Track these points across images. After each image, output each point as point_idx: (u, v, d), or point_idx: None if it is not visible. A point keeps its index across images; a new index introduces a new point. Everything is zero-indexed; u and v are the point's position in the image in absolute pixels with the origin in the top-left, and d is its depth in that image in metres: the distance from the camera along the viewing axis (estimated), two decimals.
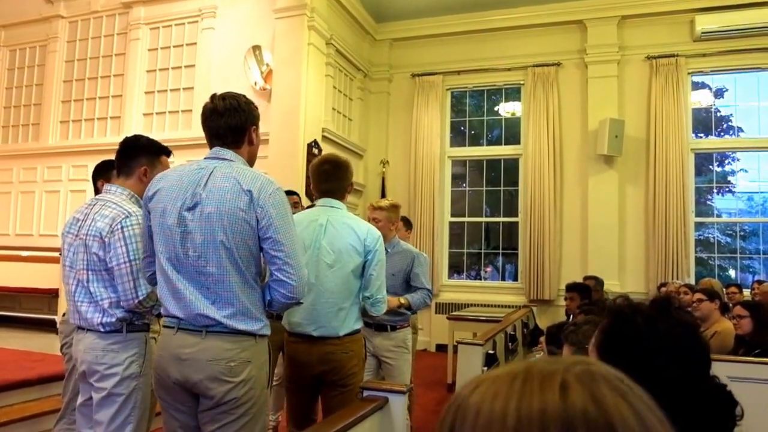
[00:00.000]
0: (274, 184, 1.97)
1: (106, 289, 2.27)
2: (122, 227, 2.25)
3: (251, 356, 1.91)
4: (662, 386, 0.96)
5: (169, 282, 1.93)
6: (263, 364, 1.98)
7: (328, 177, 2.69)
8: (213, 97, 2.04)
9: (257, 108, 2.10)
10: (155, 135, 7.14)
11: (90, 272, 2.29)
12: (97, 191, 2.96)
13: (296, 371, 2.58)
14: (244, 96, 2.08)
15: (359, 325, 2.64)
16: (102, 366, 2.24)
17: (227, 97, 2.02)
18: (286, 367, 2.63)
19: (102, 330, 2.25)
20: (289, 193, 3.88)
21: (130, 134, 2.69)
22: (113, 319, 2.25)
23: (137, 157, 2.41)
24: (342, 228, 2.58)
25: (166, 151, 2.52)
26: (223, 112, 1.99)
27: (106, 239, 2.25)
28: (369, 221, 3.45)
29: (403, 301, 3.34)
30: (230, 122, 2.00)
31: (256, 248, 1.92)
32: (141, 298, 2.23)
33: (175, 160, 5.71)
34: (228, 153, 2.01)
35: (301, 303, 2.09)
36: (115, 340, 2.26)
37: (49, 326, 6.38)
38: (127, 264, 2.23)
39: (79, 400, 2.42)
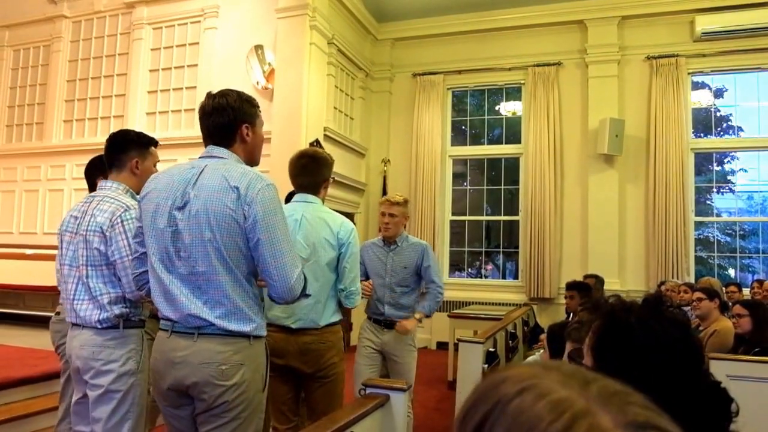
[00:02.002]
0: (265, 181, 1.90)
1: (105, 284, 2.28)
2: (122, 220, 2.28)
3: (244, 359, 1.87)
4: (657, 386, 0.98)
5: (160, 283, 1.89)
6: (258, 366, 1.93)
7: (304, 171, 2.73)
8: (206, 95, 2.02)
9: (254, 105, 2.04)
10: (158, 134, 7.16)
11: (90, 268, 2.30)
12: (93, 188, 2.99)
13: (273, 361, 2.59)
14: (238, 93, 2.02)
15: (337, 317, 2.67)
16: (98, 362, 2.24)
17: (217, 95, 1.98)
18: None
19: (99, 326, 2.26)
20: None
21: None
22: (111, 315, 2.26)
23: (127, 151, 2.44)
24: (316, 222, 2.63)
25: (154, 142, 2.55)
26: (210, 112, 1.97)
27: (107, 233, 2.27)
28: (384, 216, 3.46)
29: (418, 316, 3.40)
30: (217, 121, 1.96)
31: (245, 246, 1.87)
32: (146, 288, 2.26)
33: (178, 159, 5.78)
34: (221, 151, 1.97)
35: (308, 295, 2.05)
36: (112, 336, 2.27)
37: None
38: (130, 257, 2.23)
39: (74, 398, 2.41)
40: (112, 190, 2.40)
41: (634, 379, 0.97)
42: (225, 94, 1.98)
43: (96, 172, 2.95)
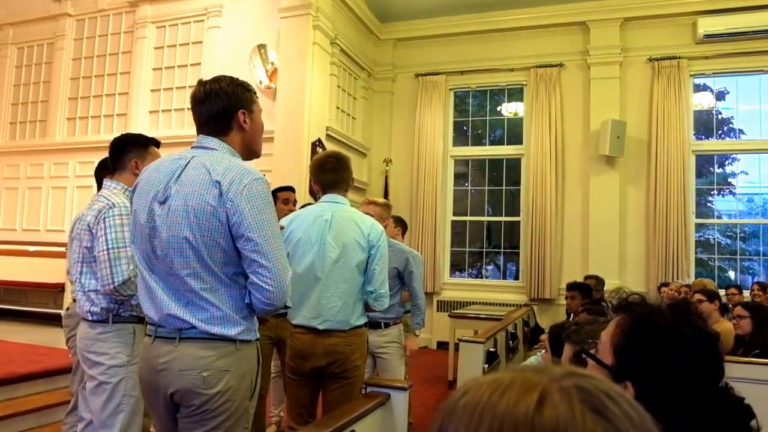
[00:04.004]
0: (252, 175, 1.73)
1: (95, 280, 2.39)
2: (105, 218, 2.37)
3: (229, 365, 1.72)
4: (678, 389, 0.99)
5: (144, 281, 1.79)
6: (245, 373, 1.78)
7: (333, 168, 2.73)
8: (197, 83, 1.89)
9: (249, 89, 1.89)
10: (161, 132, 7.19)
11: (83, 264, 2.43)
12: (101, 187, 3.07)
13: (300, 363, 2.60)
14: (231, 78, 1.87)
15: (364, 320, 2.66)
16: (92, 354, 2.36)
17: (209, 81, 1.85)
18: (290, 359, 2.66)
19: (90, 319, 2.38)
20: (285, 189, 3.88)
21: (136, 131, 2.80)
22: (98, 309, 2.37)
23: (127, 152, 2.54)
24: (346, 223, 2.62)
25: (154, 142, 2.62)
26: (203, 99, 1.82)
27: (93, 230, 2.39)
28: None
29: (417, 333, 3.55)
30: (211, 109, 1.81)
31: (229, 246, 1.71)
32: (116, 284, 2.31)
33: None
34: (212, 141, 1.83)
35: (289, 307, 1.94)
36: (102, 330, 2.37)
37: (55, 320, 6.43)
38: (105, 251, 2.33)
39: (82, 384, 2.54)
40: (110, 189, 2.52)
41: (655, 378, 0.99)
42: (217, 79, 1.86)
43: (103, 172, 3.04)
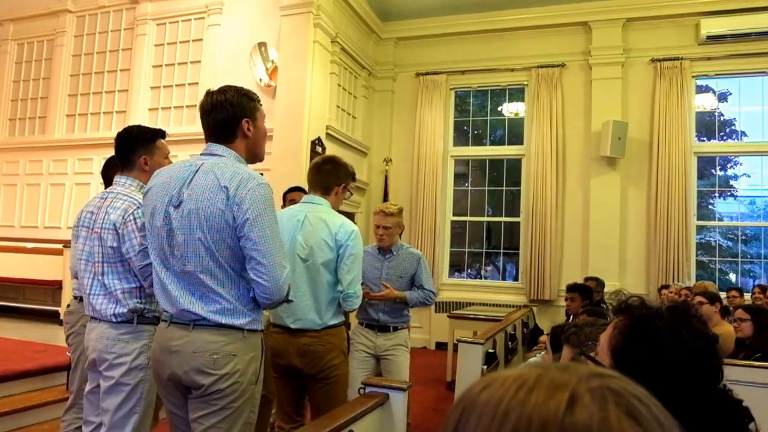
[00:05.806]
0: (257, 180, 1.90)
1: (120, 281, 2.34)
2: (134, 218, 2.33)
3: (237, 350, 1.90)
4: (675, 392, 0.97)
5: (159, 278, 1.96)
6: (251, 359, 1.95)
7: (318, 169, 2.76)
8: (205, 93, 2.04)
9: (253, 98, 2.04)
10: None
11: (105, 265, 2.36)
12: (109, 184, 3.01)
13: (275, 360, 2.63)
14: (236, 88, 2.03)
15: (338, 319, 2.65)
16: (111, 355, 2.30)
17: (216, 92, 2.00)
18: (270, 357, 2.66)
19: (114, 320, 2.32)
20: (297, 189, 3.88)
21: None
22: (125, 310, 2.32)
23: (135, 149, 2.49)
24: (317, 223, 2.63)
25: (161, 134, 2.59)
26: (210, 110, 1.98)
27: (120, 230, 2.33)
28: (378, 228, 3.46)
29: (399, 294, 3.39)
30: (218, 118, 1.98)
31: (235, 245, 1.89)
32: None
33: (180, 155, 5.77)
34: (219, 148, 1.99)
35: (291, 301, 2.08)
36: (126, 330, 2.33)
37: (52, 317, 6.42)
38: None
39: (87, 387, 2.49)
40: (126, 186, 2.47)
41: (652, 381, 0.97)
42: (223, 90, 2.00)
43: (112, 170, 3.00)
